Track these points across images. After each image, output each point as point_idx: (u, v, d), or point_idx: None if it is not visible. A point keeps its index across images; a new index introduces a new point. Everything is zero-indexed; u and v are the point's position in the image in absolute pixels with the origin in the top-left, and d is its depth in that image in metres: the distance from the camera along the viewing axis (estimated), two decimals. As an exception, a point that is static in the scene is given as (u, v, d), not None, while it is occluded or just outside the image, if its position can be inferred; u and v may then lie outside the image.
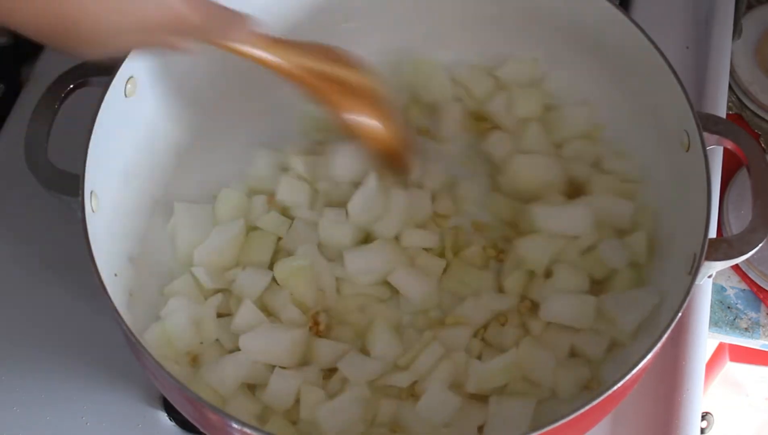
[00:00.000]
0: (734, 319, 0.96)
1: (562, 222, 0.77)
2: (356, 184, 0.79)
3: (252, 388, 0.72)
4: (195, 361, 0.73)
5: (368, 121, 0.75)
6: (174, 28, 0.57)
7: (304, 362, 0.73)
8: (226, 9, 0.64)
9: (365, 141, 0.76)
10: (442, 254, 0.79)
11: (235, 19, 0.65)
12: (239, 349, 0.72)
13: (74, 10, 0.50)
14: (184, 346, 0.72)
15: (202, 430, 0.67)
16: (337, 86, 0.73)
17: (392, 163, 0.79)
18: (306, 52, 0.72)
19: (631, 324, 0.72)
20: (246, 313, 0.73)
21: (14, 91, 0.93)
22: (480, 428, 0.71)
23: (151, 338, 0.70)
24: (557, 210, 0.78)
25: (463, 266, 0.78)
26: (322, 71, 0.72)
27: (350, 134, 0.76)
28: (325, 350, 0.73)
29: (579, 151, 0.82)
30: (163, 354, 0.70)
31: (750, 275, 0.95)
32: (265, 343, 0.72)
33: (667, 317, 0.63)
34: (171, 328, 0.72)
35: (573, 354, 0.74)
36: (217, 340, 0.74)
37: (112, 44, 0.55)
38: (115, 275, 0.69)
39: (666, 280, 0.73)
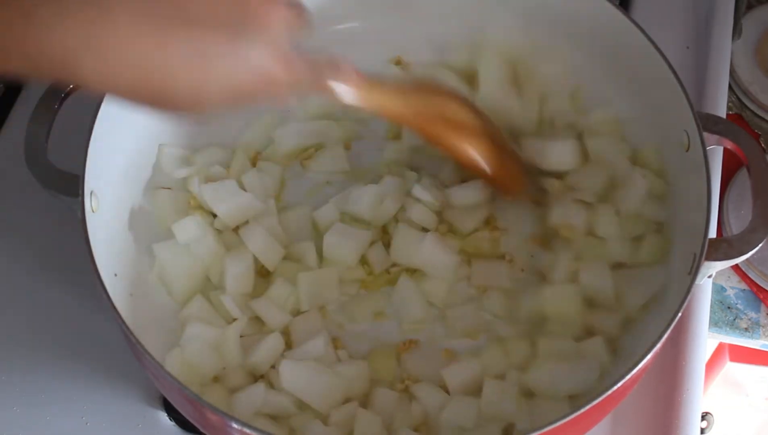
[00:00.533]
0: (734, 319, 0.95)
1: (551, 156, 0.78)
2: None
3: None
4: (217, 381, 0.71)
5: (474, 154, 0.75)
6: (268, 90, 0.57)
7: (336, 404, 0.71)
8: (320, 58, 0.63)
9: (473, 170, 0.76)
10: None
11: (332, 65, 0.65)
12: (259, 370, 0.71)
13: (165, 79, 0.52)
14: (207, 372, 0.70)
15: (202, 430, 0.67)
16: (441, 123, 0.73)
17: (503, 187, 0.78)
18: (405, 90, 0.72)
19: (639, 300, 0.72)
20: (271, 344, 0.71)
21: (14, 91, 0.93)
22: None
23: (171, 366, 0.69)
24: (544, 143, 0.78)
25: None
26: (424, 110, 0.72)
27: (461, 164, 0.77)
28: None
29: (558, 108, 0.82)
30: (186, 380, 0.67)
31: (750, 275, 0.95)
32: (306, 381, 0.69)
33: (667, 317, 0.63)
34: (191, 355, 0.70)
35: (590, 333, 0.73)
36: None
37: (205, 107, 0.55)
38: (115, 275, 0.69)
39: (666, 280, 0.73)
